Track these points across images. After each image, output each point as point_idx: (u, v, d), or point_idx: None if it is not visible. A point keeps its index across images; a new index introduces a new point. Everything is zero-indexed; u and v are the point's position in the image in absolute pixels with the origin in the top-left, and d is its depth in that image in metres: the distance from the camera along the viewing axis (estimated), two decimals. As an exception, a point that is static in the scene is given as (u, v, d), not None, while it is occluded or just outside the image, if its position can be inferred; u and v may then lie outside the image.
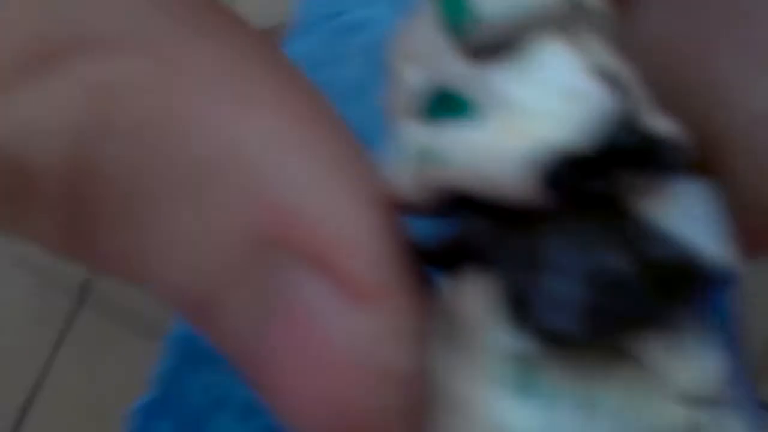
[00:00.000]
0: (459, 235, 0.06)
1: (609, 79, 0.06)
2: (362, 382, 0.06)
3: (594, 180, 0.06)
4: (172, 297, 0.07)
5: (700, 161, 0.07)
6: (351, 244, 0.06)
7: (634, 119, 0.06)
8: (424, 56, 0.06)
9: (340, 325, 0.06)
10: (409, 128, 0.07)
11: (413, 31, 0.07)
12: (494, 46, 0.06)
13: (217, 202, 0.06)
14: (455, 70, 0.06)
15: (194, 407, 0.27)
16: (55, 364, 0.81)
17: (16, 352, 0.81)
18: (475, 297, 0.06)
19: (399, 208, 0.07)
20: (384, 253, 0.06)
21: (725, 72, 0.07)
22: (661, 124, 0.06)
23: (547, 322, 0.06)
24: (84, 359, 0.80)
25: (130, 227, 0.06)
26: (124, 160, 0.06)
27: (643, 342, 0.06)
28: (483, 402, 0.06)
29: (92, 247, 0.07)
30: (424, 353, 0.06)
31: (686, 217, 0.06)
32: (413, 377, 0.06)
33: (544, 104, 0.06)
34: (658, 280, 0.06)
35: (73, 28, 0.06)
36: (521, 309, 0.06)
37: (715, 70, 0.07)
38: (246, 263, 0.06)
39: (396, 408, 0.06)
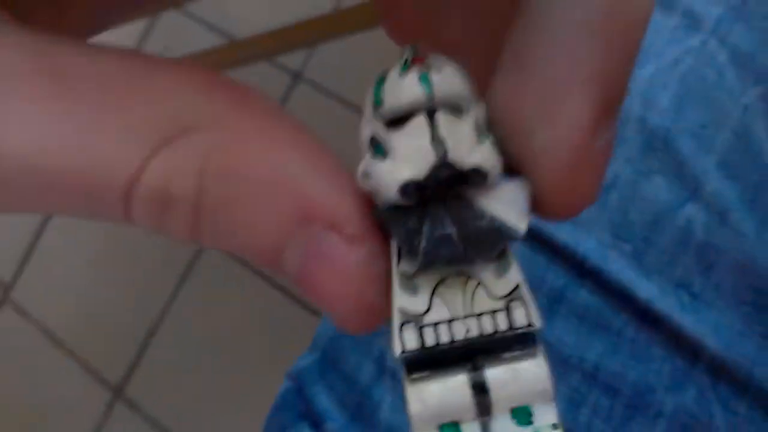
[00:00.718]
0: (379, 217, 0.12)
1: (439, 143, 0.12)
2: (359, 279, 0.12)
3: (433, 191, 0.12)
4: (256, 256, 0.12)
5: (518, 169, 0.12)
6: (346, 217, 0.12)
7: (451, 162, 0.12)
8: (369, 120, 0.12)
9: (345, 255, 0.12)
10: (363, 159, 0.12)
11: (366, 105, 0.13)
12: (394, 120, 0.12)
13: (275, 200, 0.12)
14: (378, 130, 0.12)
15: (357, 382, 0.29)
16: (180, 296, 0.89)
17: (145, 282, 0.90)
18: (392, 245, 0.12)
19: (368, 198, 0.12)
20: (362, 220, 0.12)
21: (525, 123, 0.12)
22: (475, 158, 0.12)
23: (413, 260, 0.12)
24: (206, 293, 0.88)
25: (230, 219, 0.12)
26: (224, 186, 0.12)
27: (476, 268, 0.13)
28: (394, 293, 0.12)
29: (207, 235, 0.12)
30: (388, 264, 0.12)
31: (502, 201, 0.12)
32: (382, 275, 0.12)
33: (407, 156, 0.12)
34: (474, 239, 0.12)
35: (185, 114, 0.12)
36: (403, 253, 0.12)
37: (521, 122, 0.12)
38: (294, 229, 0.12)
39: (376, 290, 0.12)
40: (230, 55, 0.77)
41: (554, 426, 0.12)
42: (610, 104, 0.12)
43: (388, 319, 0.13)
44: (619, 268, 0.26)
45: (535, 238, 0.27)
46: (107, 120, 0.11)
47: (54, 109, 0.11)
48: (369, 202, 0.12)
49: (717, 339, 0.25)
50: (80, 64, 0.11)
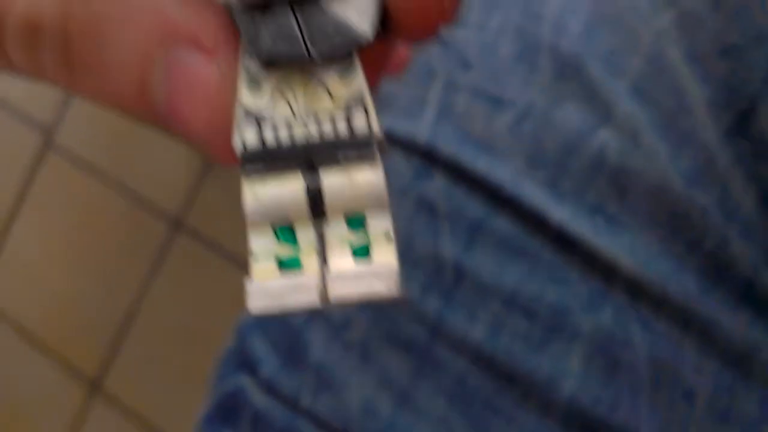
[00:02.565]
0: (231, 18, 0.13)
1: None
2: (219, 85, 0.12)
3: None
4: (125, 92, 0.13)
5: None
6: (204, 32, 0.12)
7: None
8: None
9: (205, 68, 0.12)
10: None
11: None
12: None
13: (140, 22, 0.12)
14: None
15: (290, 325, 0.29)
16: (153, 286, 0.88)
17: (117, 274, 0.90)
18: (241, 45, 0.13)
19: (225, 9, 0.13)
20: (219, 33, 0.13)
21: None
22: None
23: (257, 56, 0.13)
24: (179, 281, 0.88)
25: (96, 47, 0.12)
26: (88, 13, 0.12)
27: (320, 70, 0.13)
28: (238, 89, 0.13)
29: (77, 70, 0.13)
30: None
31: (351, 7, 0.12)
32: (233, 77, 0.13)
33: None
34: (318, 38, 0.12)
35: None
36: (249, 48, 0.13)
37: None
38: (158, 50, 0.12)
39: (230, 89, 0.12)
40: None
41: (386, 234, 0.12)
42: None
43: None
44: (534, 194, 0.26)
45: (453, 170, 0.27)
46: None
47: None
48: (226, 13, 0.13)
49: (633, 259, 0.25)
50: None
